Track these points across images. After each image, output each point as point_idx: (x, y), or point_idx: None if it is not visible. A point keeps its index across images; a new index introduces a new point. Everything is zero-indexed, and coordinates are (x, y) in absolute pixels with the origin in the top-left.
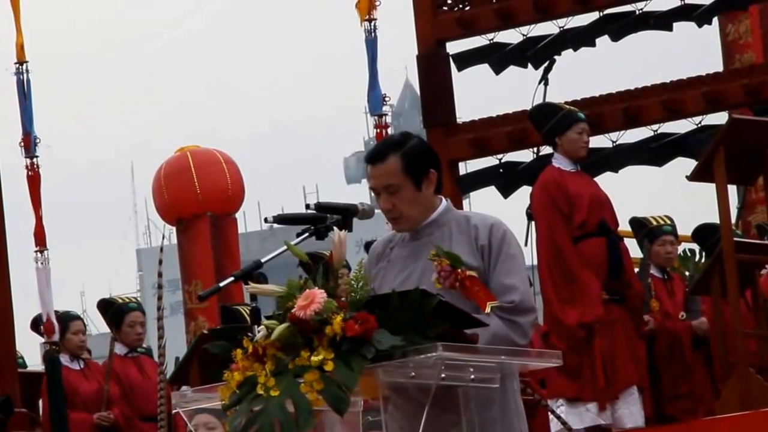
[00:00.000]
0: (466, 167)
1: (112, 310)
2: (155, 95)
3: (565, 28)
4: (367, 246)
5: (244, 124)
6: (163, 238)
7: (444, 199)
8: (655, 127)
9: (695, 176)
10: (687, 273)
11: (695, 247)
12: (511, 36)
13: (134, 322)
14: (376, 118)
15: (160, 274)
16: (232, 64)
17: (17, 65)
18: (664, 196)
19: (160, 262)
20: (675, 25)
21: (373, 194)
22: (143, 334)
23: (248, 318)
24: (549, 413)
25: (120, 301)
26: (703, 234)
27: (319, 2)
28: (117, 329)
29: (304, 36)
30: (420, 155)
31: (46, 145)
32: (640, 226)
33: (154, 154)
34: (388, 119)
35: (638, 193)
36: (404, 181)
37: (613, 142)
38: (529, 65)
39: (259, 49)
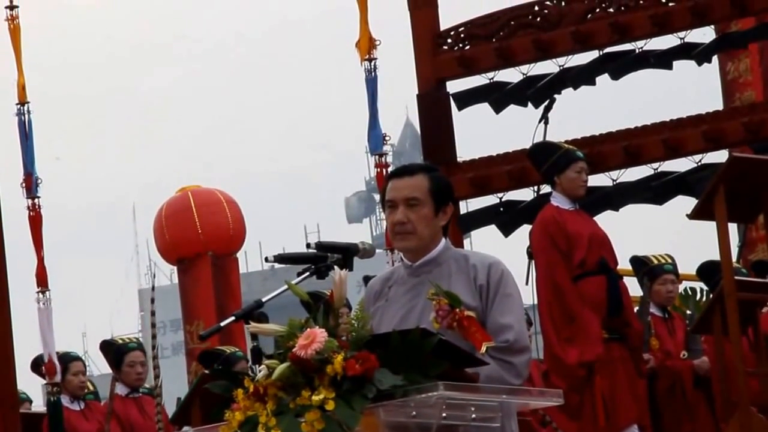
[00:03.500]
0: (466, 206)
1: (112, 350)
2: (156, 135)
3: (564, 66)
4: (366, 280)
5: (244, 164)
6: (154, 276)
7: (444, 238)
8: (655, 165)
9: (696, 214)
10: (688, 312)
11: (696, 285)
12: (511, 75)
13: (134, 362)
14: (376, 157)
15: (153, 313)
16: (234, 103)
17: (18, 106)
18: (664, 235)
19: (152, 300)
20: (675, 63)
21: (381, 218)
22: (143, 373)
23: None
24: None
25: (120, 341)
26: (708, 271)
27: (319, 42)
28: (118, 369)
29: (305, 75)
30: (445, 186)
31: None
32: (640, 264)
33: (156, 194)
34: (389, 158)
35: (639, 231)
36: (427, 199)
37: (614, 180)
38: (529, 104)
39: (260, 88)
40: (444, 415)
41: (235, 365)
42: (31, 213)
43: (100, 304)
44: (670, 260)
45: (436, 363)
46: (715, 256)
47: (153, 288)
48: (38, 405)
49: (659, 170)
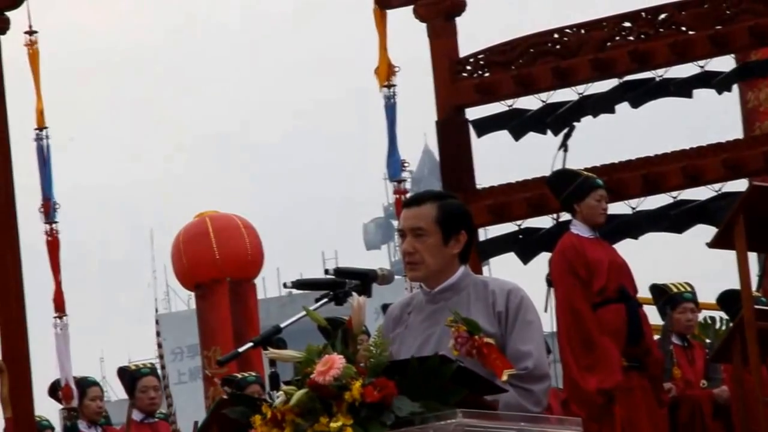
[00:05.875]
0: (485, 233)
1: (126, 376)
2: (173, 161)
3: (584, 94)
4: (384, 308)
5: (262, 190)
6: (157, 311)
7: (463, 266)
8: (675, 193)
9: (715, 243)
10: (707, 340)
11: (715, 314)
12: (531, 102)
13: (147, 387)
14: (395, 184)
15: (159, 345)
16: (251, 128)
17: (37, 131)
18: (683, 263)
19: (158, 333)
20: (695, 92)
21: (399, 244)
22: (156, 398)
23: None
24: None
25: (133, 367)
26: (728, 300)
27: (337, 69)
28: (132, 395)
29: (323, 102)
30: (456, 213)
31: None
32: (660, 293)
33: (174, 220)
34: (408, 185)
35: (658, 259)
36: (433, 229)
37: (633, 208)
38: (549, 131)
39: (277, 113)
40: None
41: (245, 389)
42: (49, 238)
43: (118, 330)
44: (689, 288)
45: (455, 390)
46: (735, 285)
47: (157, 322)
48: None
49: (679, 198)
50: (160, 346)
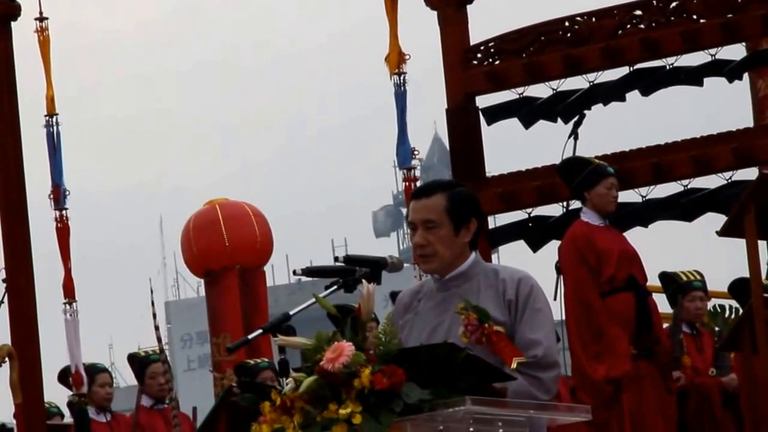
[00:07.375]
0: (495, 221)
1: (136, 363)
2: (184, 147)
3: (594, 82)
4: (393, 296)
5: (271, 177)
6: (152, 292)
7: (474, 252)
8: (685, 182)
9: (725, 232)
10: (716, 328)
11: (725, 302)
12: (541, 90)
13: (155, 373)
14: (404, 171)
15: (157, 327)
16: (261, 117)
17: (47, 118)
18: (693, 251)
19: (154, 315)
20: (705, 80)
21: (408, 232)
22: (165, 384)
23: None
24: None
25: (142, 354)
26: (740, 288)
27: (348, 56)
28: (141, 381)
29: (334, 90)
30: (466, 202)
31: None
32: (670, 281)
33: (184, 207)
34: (417, 173)
35: (668, 247)
36: (444, 220)
37: (643, 196)
38: (559, 120)
39: (288, 101)
40: (471, 429)
41: (257, 375)
42: (59, 225)
43: (127, 316)
44: (699, 277)
45: (464, 377)
46: (745, 273)
47: (152, 303)
48: (69, 419)
49: (689, 187)
50: (157, 329)
